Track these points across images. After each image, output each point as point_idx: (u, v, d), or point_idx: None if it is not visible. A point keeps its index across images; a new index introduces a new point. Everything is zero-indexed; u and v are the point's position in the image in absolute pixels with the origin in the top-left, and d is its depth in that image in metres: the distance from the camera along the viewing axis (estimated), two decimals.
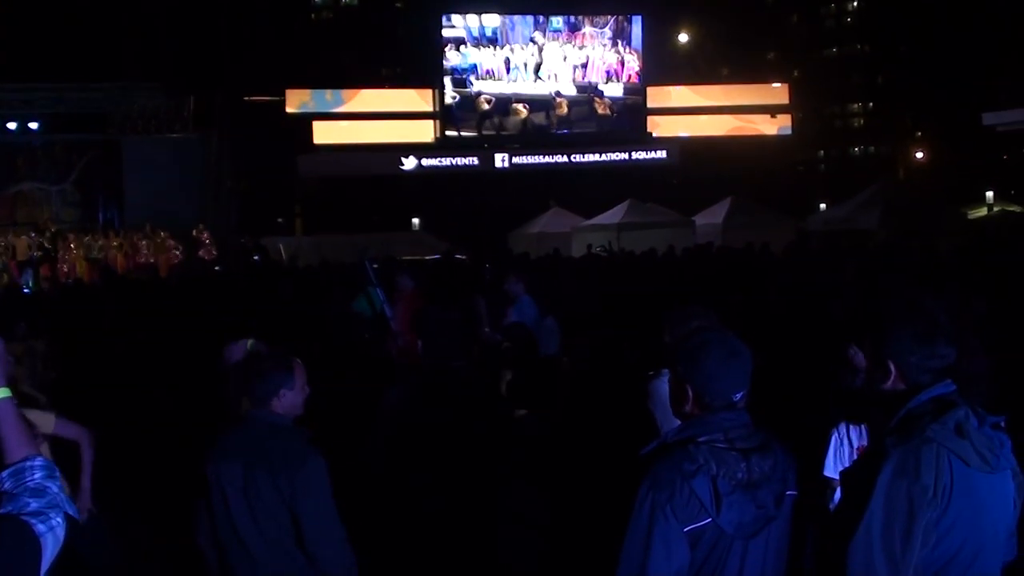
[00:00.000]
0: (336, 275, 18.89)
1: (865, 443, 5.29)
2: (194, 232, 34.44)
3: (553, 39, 40.40)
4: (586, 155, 40.95)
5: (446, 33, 39.58)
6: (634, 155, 41.51)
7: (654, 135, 41.92)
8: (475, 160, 40.04)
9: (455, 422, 6.59)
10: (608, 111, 40.93)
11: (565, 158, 40.80)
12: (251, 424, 5.65)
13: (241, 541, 5.51)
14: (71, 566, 7.74)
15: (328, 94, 39.36)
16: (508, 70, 39.82)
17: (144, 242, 33.64)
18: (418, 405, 6.90)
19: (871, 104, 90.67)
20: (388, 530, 6.29)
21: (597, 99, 40.78)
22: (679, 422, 4.18)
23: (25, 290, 26.98)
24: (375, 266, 13.79)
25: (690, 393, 4.07)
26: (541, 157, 40.57)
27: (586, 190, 38.66)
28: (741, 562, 3.92)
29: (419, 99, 40.23)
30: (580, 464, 5.91)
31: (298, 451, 5.58)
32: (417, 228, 41.70)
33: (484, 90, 39.61)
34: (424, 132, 40.06)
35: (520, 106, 39.85)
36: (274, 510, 5.49)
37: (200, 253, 33.71)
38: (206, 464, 5.59)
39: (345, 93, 39.81)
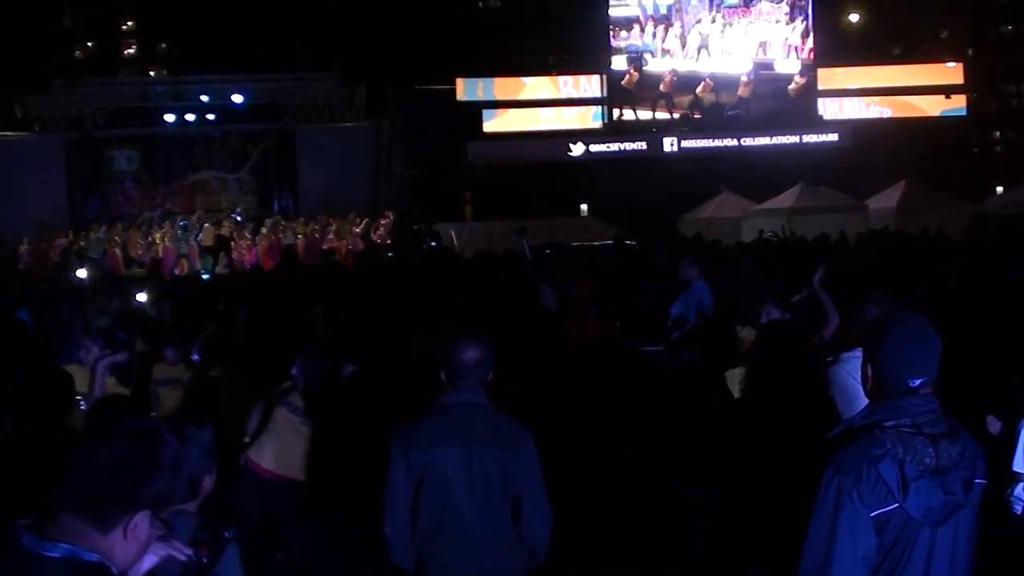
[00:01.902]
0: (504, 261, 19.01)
1: None
2: (382, 220, 35.10)
3: (729, 15, 39.94)
4: (756, 138, 40.47)
5: (617, 13, 39.43)
6: (805, 138, 40.89)
7: (824, 117, 41.28)
8: (643, 144, 39.85)
9: (648, 405, 6.65)
10: (781, 91, 40.37)
11: (735, 141, 40.34)
12: (462, 407, 5.73)
13: (459, 523, 5.64)
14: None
15: (480, 85, 39.57)
16: (684, 48, 39.52)
17: (328, 228, 34.46)
18: (614, 387, 6.97)
19: None
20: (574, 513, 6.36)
21: (771, 79, 40.23)
22: (860, 407, 4.18)
23: (204, 276, 27.73)
24: (548, 251, 13.93)
25: (870, 373, 4.09)
26: (710, 141, 40.19)
27: (756, 174, 38.21)
28: (929, 549, 3.91)
29: (586, 84, 40.22)
30: (757, 450, 5.91)
31: (517, 432, 5.75)
32: (585, 214, 41.63)
33: (660, 69, 39.41)
34: (592, 118, 40.11)
35: (698, 86, 39.54)
36: (494, 490, 5.65)
37: (376, 239, 34.29)
38: (410, 450, 5.68)
39: (497, 82, 39.96)
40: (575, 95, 40.27)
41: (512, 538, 5.73)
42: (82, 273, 27.82)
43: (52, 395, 6.25)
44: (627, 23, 39.42)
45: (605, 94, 39.56)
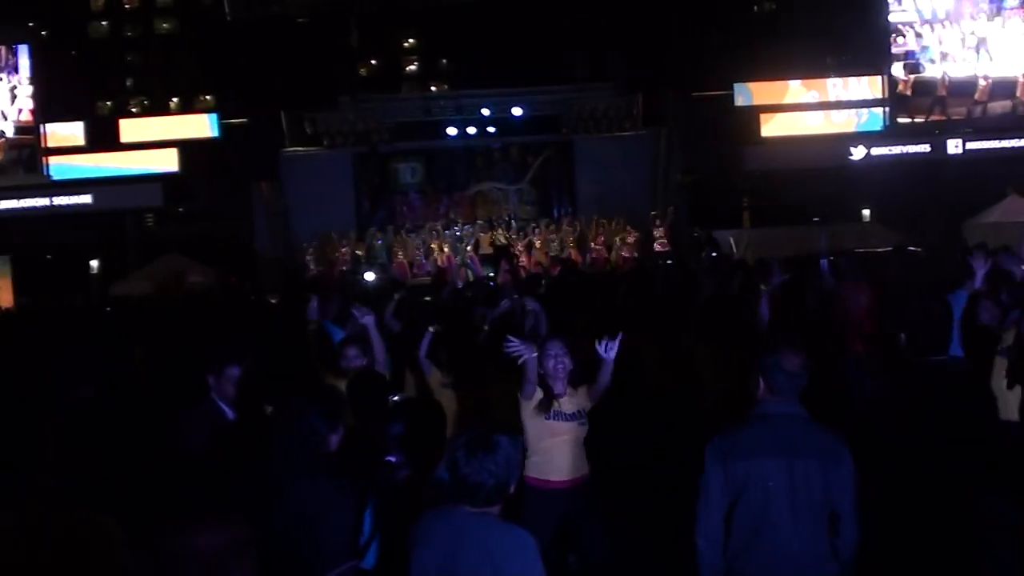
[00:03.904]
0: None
1: None
2: (657, 223, 35.38)
3: (1010, 16, 38.69)
4: None
5: (894, 18, 38.71)
6: None
7: None
8: (927, 147, 38.87)
9: (933, 416, 6.53)
10: None
11: (1022, 142, 38.93)
12: (781, 418, 5.67)
13: (776, 536, 5.58)
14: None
15: (739, 93, 39.23)
16: (961, 50, 38.45)
17: (598, 235, 34.85)
18: (904, 400, 6.85)
19: None
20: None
21: None
22: None
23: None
24: (832, 257, 13.76)
25: None
26: (996, 142, 38.88)
27: None
28: None
29: (856, 87, 39.53)
30: None
31: (837, 444, 5.65)
32: (867, 219, 40.75)
33: (937, 73, 38.45)
34: (856, 124, 39.43)
35: (980, 88, 38.40)
36: (814, 503, 5.58)
37: (655, 246, 34.52)
38: (729, 460, 5.62)
39: (757, 87, 39.59)
40: (844, 98, 39.62)
41: (826, 553, 5.63)
42: (369, 276, 28.93)
43: (378, 390, 6.88)
44: (904, 26, 38.62)
45: (887, 96, 38.78)
